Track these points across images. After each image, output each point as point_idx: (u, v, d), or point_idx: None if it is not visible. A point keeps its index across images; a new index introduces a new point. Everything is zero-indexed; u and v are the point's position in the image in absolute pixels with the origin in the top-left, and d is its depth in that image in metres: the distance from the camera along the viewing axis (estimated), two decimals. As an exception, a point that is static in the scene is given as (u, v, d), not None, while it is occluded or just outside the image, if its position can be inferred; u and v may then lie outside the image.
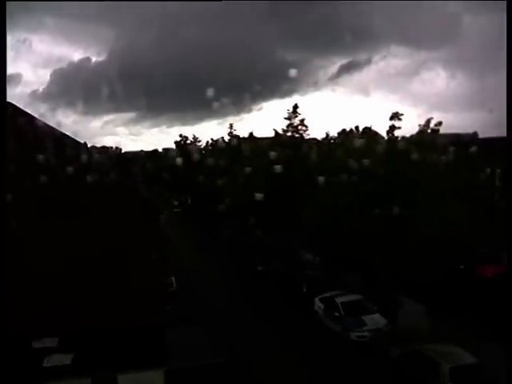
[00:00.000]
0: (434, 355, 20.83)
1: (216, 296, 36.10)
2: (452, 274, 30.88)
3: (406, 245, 26.94)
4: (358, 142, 33.73)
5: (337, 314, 28.72)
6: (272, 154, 38.96)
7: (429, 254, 27.09)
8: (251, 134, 63.39)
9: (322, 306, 30.49)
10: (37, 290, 18.18)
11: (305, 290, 33.75)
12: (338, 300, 29.44)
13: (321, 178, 32.84)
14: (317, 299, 31.37)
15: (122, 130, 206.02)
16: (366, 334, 27.04)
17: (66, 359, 17.86)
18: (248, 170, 37.94)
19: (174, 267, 35.65)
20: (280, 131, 43.32)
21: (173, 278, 33.53)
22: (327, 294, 31.05)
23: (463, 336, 23.19)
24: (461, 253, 29.94)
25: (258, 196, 31.12)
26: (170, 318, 21.80)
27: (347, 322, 27.88)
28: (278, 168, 36.80)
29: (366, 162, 28.69)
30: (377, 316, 28.24)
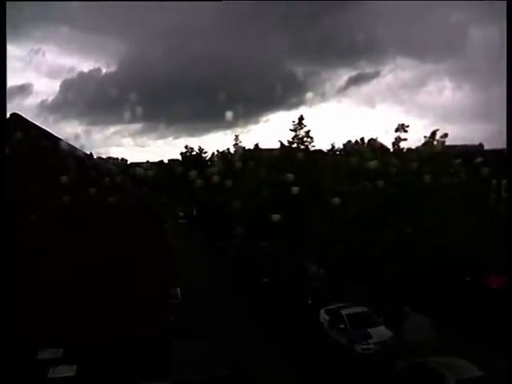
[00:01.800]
0: (440, 368, 20.73)
1: (220, 308, 35.99)
2: (458, 285, 30.76)
3: (413, 256, 26.87)
4: (365, 154, 33.61)
5: (342, 326, 28.62)
6: (278, 165, 38.99)
7: (435, 265, 27.00)
8: (257, 145, 63.44)
9: (328, 318, 30.40)
10: (42, 299, 18.22)
11: (310, 301, 33.68)
12: (344, 312, 29.35)
13: (328, 189, 32.93)
14: (322, 311, 31.30)
15: (128, 141, 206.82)
16: (371, 346, 26.94)
17: (70, 371, 17.86)
18: (253, 181, 37.92)
19: (179, 278, 35.64)
20: (286, 143, 43.34)
21: (178, 290, 33.50)
22: (332, 306, 30.97)
23: (469, 348, 23.04)
24: (467, 264, 29.83)
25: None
26: (175, 330, 21.80)
27: (353, 334, 27.78)
28: (283, 179, 36.86)
29: (372, 173, 28.72)
30: (382, 328, 28.13)
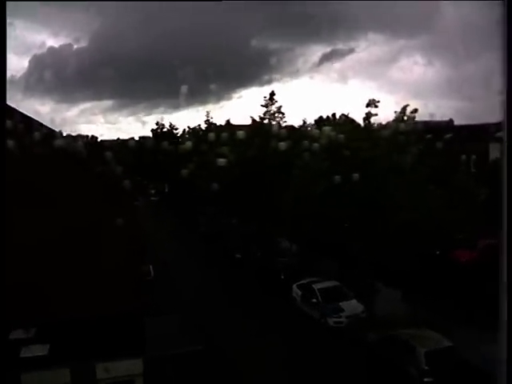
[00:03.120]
0: (410, 339, 21.14)
1: (193, 285, 36.04)
2: (428, 259, 31.20)
3: (383, 231, 27.12)
4: (332, 129, 33.66)
5: (314, 300, 28.92)
6: (247, 141, 38.92)
7: (405, 239, 27.31)
8: (228, 121, 63.23)
9: (300, 293, 30.67)
10: (10, 280, 17.99)
11: (283, 277, 33.90)
12: (316, 286, 29.64)
13: (297, 164, 32.97)
14: (294, 286, 31.55)
15: (98, 118, 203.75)
16: (343, 319, 27.31)
17: (43, 350, 17.73)
18: (223, 157, 37.78)
19: (150, 256, 35.58)
20: (257, 119, 43.26)
21: (150, 267, 33.43)
22: (305, 281, 31.24)
23: (438, 320, 23.47)
24: (436, 239, 30.22)
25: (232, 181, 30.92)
26: (148, 307, 21.78)
27: (325, 308, 28.09)
28: (251, 155, 36.82)
29: (344, 149, 28.76)
30: (354, 302, 28.51)
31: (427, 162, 30.23)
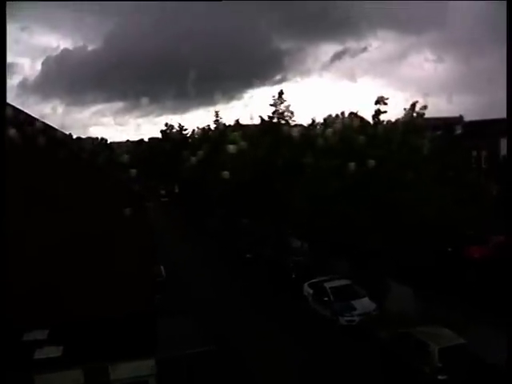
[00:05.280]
0: (423, 337, 21.02)
1: (205, 285, 36.09)
2: (440, 256, 31.10)
3: (394, 228, 27.05)
4: (343, 126, 33.60)
5: (326, 298, 28.85)
6: (258, 141, 38.95)
7: (417, 236, 27.22)
8: (237, 121, 63.25)
9: (311, 292, 30.62)
10: (23, 282, 18.10)
11: (294, 276, 33.86)
12: (327, 285, 29.57)
13: (307, 163, 32.93)
14: (306, 285, 31.51)
15: (108, 120, 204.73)
16: (355, 318, 27.23)
17: (56, 351, 17.82)
18: (233, 157, 37.87)
19: (162, 256, 35.65)
20: (266, 118, 43.28)
21: (162, 268, 33.48)
22: (316, 280, 31.19)
23: (451, 317, 23.35)
24: (449, 235, 30.11)
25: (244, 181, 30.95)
26: (160, 307, 21.86)
27: (336, 306, 28.02)
28: (262, 154, 36.79)
29: (354, 145, 28.73)
30: (366, 300, 28.43)
31: (438, 159, 30.14)
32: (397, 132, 29.76)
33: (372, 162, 26.57)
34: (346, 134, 30.79)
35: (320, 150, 32.36)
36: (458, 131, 36.61)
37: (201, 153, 50.39)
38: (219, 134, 60.57)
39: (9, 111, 18.59)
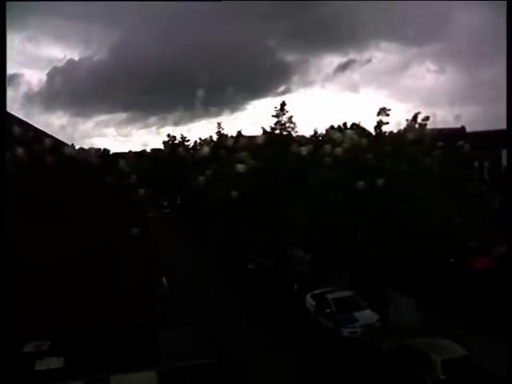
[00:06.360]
0: (425, 348, 20.94)
1: (207, 296, 36.01)
2: (442, 267, 31.03)
3: (396, 239, 27.01)
4: (344, 137, 33.61)
5: (328, 310, 28.76)
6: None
7: (419, 247, 27.20)
8: (239, 132, 63.42)
9: (314, 303, 30.52)
10: (23, 292, 18.09)
11: (296, 287, 33.78)
12: (330, 296, 29.48)
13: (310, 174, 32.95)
14: (308, 296, 31.41)
15: (111, 131, 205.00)
16: (357, 329, 27.13)
17: (58, 362, 17.78)
18: (235, 168, 37.86)
19: (164, 267, 35.60)
20: (268, 129, 43.38)
21: (163, 279, 33.43)
22: (318, 291, 31.09)
23: (453, 328, 23.25)
24: (450, 247, 30.06)
25: (245, 193, 31.00)
26: (161, 318, 21.81)
27: (339, 318, 27.94)
28: (264, 165, 36.81)
29: (355, 157, 28.77)
30: (368, 312, 28.34)
31: (440, 170, 30.14)
32: (399, 143, 29.77)
33: (374, 174, 26.60)
34: (349, 146, 30.78)
35: (322, 161, 32.42)
36: (460, 142, 36.56)
37: (205, 163, 50.47)
38: (222, 147, 60.73)
39: (13, 122, 18.70)
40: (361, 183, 26.49)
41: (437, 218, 26.24)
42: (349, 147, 30.01)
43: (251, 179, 38.72)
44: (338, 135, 34.87)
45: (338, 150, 29.68)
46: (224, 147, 53.11)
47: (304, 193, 33.63)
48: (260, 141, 44.60)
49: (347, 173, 29.04)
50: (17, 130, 18.17)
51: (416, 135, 29.57)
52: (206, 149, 67.05)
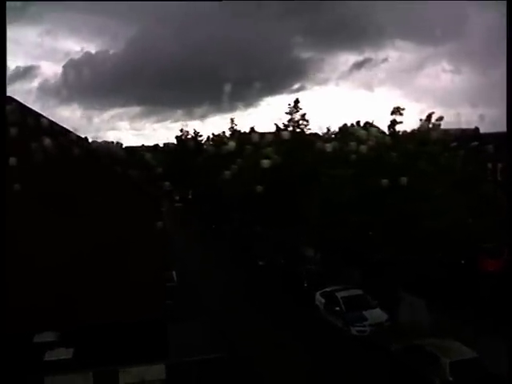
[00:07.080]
0: (434, 350, 20.85)
1: (217, 291, 36.07)
2: (454, 268, 30.87)
3: (408, 239, 26.89)
4: (359, 135, 33.40)
5: (337, 308, 28.72)
6: (271, 149, 38.87)
7: (431, 248, 27.06)
8: (252, 128, 63.29)
9: (323, 301, 30.50)
10: (36, 285, 18.21)
11: (306, 284, 33.75)
12: (339, 295, 29.44)
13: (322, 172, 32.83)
14: (318, 294, 31.38)
15: (124, 124, 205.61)
16: (366, 328, 27.07)
17: (67, 353, 17.91)
18: (248, 164, 37.77)
19: (174, 262, 35.67)
20: (281, 126, 43.35)
21: (173, 273, 33.48)
22: (328, 289, 31.04)
23: (463, 330, 23.16)
24: (463, 248, 29.90)
25: (258, 189, 30.90)
26: (171, 313, 21.87)
27: (348, 316, 27.89)
28: (277, 162, 36.64)
29: (369, 155, 28.62)
30: (377, 311, 28.27)
31: (453, 170, 29.96)
32: (420, 141, 29.61)
33: (396, 172, 26.42)
34: (373, 144, 30.58)
35: (336, 158, 32.31)
36: (474, 143, 36.32)
37: (215, 159, 50.40)
38: (244, 142, 60.59)
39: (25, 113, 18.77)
40: (384, 181, 26.36)
41: (451, 218, 26.08)
42: (374, 145, 29.78)
43: (271, 174, 38.64)
44: (362, 132, 34.51)
45: (363, 148, 29.51)
46: (247, 142, 53.12)
47: (321, 189, 33.49)
48: (278, 137, 44.56)
49: (368, 170, 28.90)
50: (32, 123, 18.24)
51: (437, 134, 29.42)
52: (231, 143, 66.83)
